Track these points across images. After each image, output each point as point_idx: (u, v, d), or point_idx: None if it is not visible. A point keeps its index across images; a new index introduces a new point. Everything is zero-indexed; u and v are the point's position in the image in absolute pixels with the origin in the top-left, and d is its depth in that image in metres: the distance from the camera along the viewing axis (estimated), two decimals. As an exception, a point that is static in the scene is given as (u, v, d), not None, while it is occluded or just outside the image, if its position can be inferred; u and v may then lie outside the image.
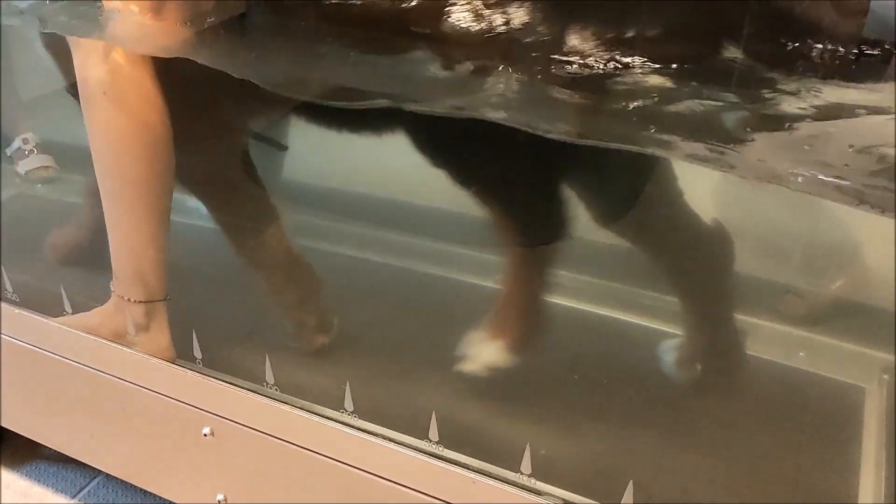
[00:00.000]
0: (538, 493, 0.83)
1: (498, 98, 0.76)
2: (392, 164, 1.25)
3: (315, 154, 1.33)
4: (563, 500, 0.85)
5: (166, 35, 0.91)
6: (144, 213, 0.96)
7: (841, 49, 0.74)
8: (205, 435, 0.97)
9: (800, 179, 0.65)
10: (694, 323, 1.08)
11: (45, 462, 1.27)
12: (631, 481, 0.81)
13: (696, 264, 1.05)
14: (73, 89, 1.04)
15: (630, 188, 0.98)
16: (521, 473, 0.85)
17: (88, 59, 0.92)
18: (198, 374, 0.95)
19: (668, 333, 1.11)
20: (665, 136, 0.71)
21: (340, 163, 1.28)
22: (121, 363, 1.00)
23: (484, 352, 1.03)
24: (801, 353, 1.09)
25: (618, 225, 1.03)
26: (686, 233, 1.03)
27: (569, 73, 0.77)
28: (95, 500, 1.20)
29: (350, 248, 1.36)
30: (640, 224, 1.01)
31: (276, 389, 0.97)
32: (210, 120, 1.07)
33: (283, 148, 1.27)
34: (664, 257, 1.06)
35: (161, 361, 0.98)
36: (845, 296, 1.11)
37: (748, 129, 0.72)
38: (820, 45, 0.75)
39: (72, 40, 0.94)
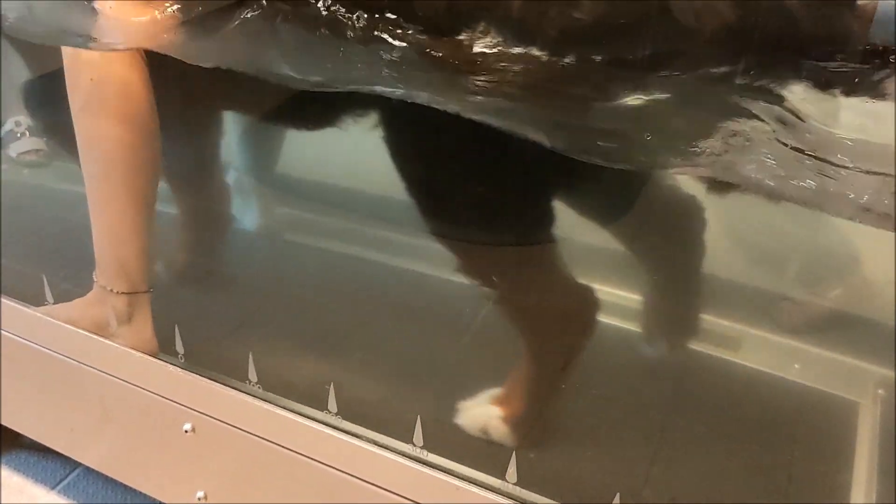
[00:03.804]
0: (523, 501, 0.82)
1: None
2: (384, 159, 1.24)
3: (307, 148, 1.31)
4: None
5: (153, 26, 0.89)
6: (128, 203, 0.94)
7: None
8: (186, 431, 0.95)
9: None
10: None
11: (25, 451, 1.25)
12: (618, 493, 0.80)
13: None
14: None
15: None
16: (507, 481, 0.83)
17: None
18: (180, 370, 0.94)
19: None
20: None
21: (332, 157, 1.27)
22: (102, 356, 0.98)
23: (480, 417, 0.97)
24: (795, 365, 1.08)
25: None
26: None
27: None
28: (75, 493, 1.18)
29: (337, 244, 1.34)
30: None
31: (259, 388, 0.95)
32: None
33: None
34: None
35: (143, 355, 0.96)
36: (842, 307, 1.10)
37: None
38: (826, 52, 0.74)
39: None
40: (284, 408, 0.89)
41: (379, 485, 0.85)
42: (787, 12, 0.72)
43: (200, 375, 0.93)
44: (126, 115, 0.91)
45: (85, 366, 1.00)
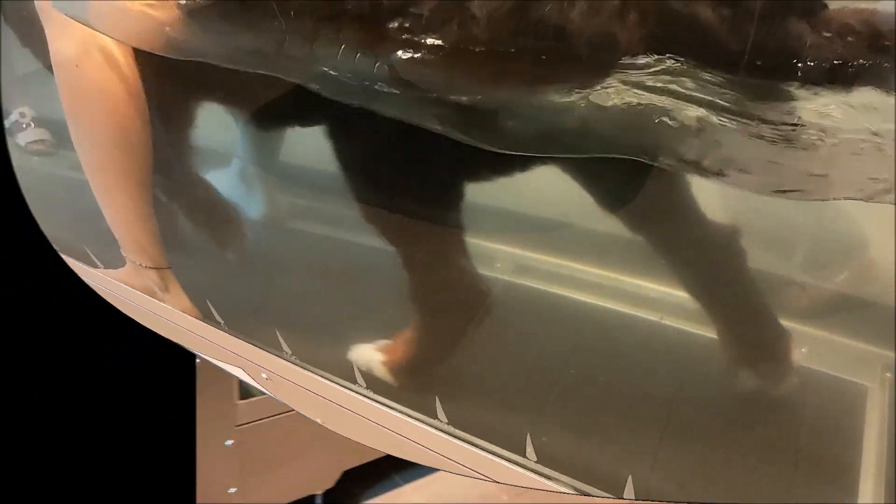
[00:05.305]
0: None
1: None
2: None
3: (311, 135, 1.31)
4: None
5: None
6: (125, 186, 0.96)
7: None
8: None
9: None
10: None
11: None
12: (630, 476, 0.80)
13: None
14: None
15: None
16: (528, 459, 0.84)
17: (61, 31, 0.91)
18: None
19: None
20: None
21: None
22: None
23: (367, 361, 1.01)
24: (802, 349, 1.08)
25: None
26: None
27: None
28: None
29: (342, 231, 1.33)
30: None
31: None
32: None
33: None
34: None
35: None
36: (849, 290, 1.10)
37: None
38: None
39: (43, 14, 0.92)
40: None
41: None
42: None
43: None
44: (112, 99, 0.92)
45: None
